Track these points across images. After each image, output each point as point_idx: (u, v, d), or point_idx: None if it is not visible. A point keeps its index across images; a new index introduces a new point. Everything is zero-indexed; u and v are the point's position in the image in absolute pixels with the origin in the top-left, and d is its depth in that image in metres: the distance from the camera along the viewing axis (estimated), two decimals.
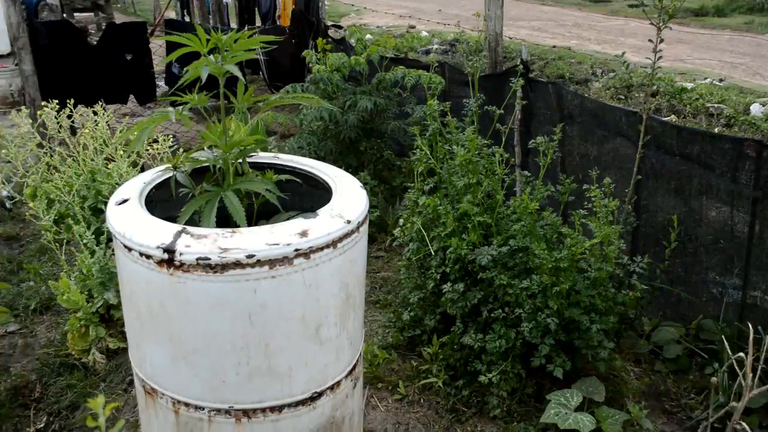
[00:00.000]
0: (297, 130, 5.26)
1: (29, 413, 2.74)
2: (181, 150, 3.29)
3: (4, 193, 3.37)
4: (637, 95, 8.31)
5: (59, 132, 3.09)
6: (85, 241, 2.72)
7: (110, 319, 2.84)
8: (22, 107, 3.57)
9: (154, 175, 2.02)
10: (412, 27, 13.68)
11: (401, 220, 3.33)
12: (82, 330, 2.79)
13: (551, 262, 2.63)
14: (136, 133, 1.77)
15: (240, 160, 1.90)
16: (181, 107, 1.87)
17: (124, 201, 1.85)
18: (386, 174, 4.91)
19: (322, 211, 1.75)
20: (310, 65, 4.83)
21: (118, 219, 1.76)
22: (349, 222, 1.71)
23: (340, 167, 2.09)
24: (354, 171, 4.64)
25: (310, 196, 2.08)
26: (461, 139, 3.16)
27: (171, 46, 6.66)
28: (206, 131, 1.87)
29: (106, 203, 2.47)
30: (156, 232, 1.63)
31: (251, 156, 2.09)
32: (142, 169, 3.17)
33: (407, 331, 3.23)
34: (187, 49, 1.83)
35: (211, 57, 1.80)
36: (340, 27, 13.61)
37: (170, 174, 1.96)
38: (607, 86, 8.70)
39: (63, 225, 2.80)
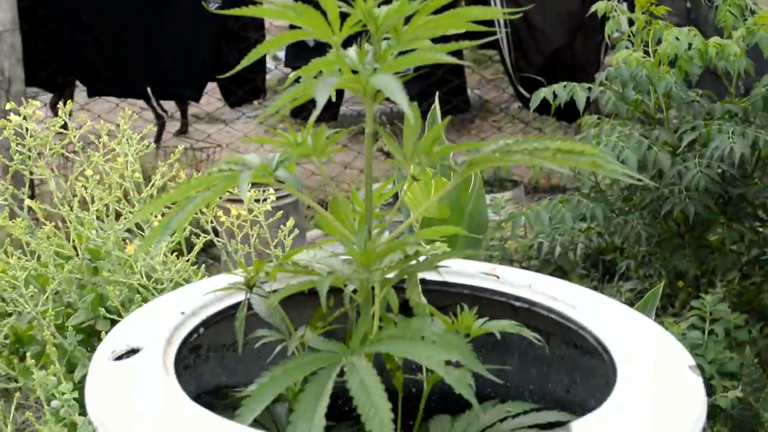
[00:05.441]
0: (568, 181, 3.07)
1: None
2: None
3: None
4: None
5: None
6: (56, 404, 1.52)
7: None
8: None
9: (205, 299, 1.18)
10: None
11: None
12: None
13: None
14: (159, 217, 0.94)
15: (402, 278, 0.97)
16: (275, 158, 1.03)
17: (131, 352, 1.04)
18: None
19: (579, 428, 0.83)
20: (608, 39, 2.33)
21: (108, 393, 0.95)
22: None
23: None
24: (694, 286, 2.80)
25: (552, 365, 1.13)
26: None
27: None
28: (321, 215, 0.97)
29: (114, 322, 1.58)
30: None
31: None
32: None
33: None
34: (300, 33, 0.99)
35: (352, 51, 0.95)
36: None
37: (239, 298, 1.09)
38: None
39: (20, 359, 1.73)
